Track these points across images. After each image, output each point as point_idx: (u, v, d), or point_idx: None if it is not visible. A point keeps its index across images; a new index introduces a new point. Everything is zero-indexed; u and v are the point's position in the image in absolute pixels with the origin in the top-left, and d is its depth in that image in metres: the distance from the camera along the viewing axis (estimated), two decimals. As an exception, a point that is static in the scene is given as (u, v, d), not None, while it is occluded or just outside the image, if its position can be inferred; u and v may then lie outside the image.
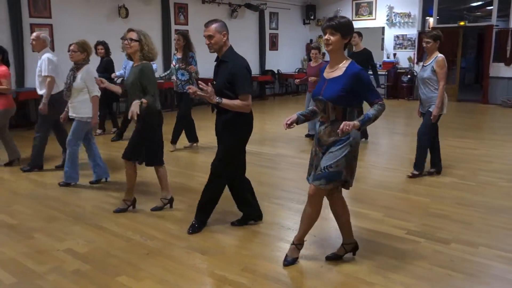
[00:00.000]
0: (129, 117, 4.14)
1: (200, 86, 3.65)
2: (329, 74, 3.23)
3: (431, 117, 5.37)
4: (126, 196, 4.61)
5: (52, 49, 9.57)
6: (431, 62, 5.36)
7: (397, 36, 14.46)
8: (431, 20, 14.17)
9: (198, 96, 3.73)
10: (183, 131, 7.32)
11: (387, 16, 14.47)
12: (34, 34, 5.93)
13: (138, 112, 4.09)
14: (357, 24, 15.14)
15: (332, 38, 3.11)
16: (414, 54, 14.17)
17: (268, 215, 4.44)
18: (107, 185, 5.46)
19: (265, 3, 14.38)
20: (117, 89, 5.17)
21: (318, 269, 3.38)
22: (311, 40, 16.44)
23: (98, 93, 5.23)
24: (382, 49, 14.98)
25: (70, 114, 5.28)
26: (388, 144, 8.23)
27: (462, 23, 13.51)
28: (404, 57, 14.38)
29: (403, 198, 4.95)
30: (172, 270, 3.36)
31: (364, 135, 7.93)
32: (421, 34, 13.91)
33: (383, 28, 14.67)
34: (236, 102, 3.68)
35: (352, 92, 3.10)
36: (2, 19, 9.11)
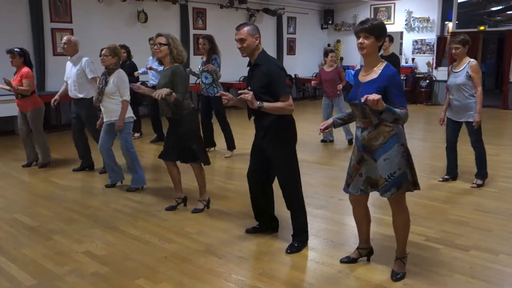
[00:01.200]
0: (155, 96, 4.19)
1: (239, 92, 3.53)
2: (364, 77, 3.19)
3: (474, 124, 5.25)
4: (176, 194, 4.76)
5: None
6: (464, 68, 5.24)
7: (416, 41, 14.35)
8: (450, 25, 14.02)
9: (232, 103, 3.73)
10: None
11: (406, 20, 14.37)
12: (65, 37, 6.01)
13: (163, 96, 4.14)
14: (375, 29, 15.08)
15: (366, 41, 3.06)
16: (433, 59, 14.04)
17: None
18: (126, 188, 5.49)
19: (283, 7, 14.40)
20: (151, 92, 5.05)
21: (335, 275, 3.36)
22: (328, 45, 16.40)
23: (128, 97, 5.27)
24: (401, 53, 14.86)
25: (106, 119, 5.28)
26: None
27: (482, 28, 13.35)
28: (423, 62, 14.25)
29: (422, 204, 4.90)
30: (189, 274, 3.38)
31: None
32: (440, 38, 13.80)
33: (402, 32, 14.57)
34: (279, 104, 3.56)
35: (386, 94, 3.03)
36: (24, 23, 9.28)
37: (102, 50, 5.26)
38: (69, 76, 6.02)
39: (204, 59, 6.99)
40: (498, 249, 3.77)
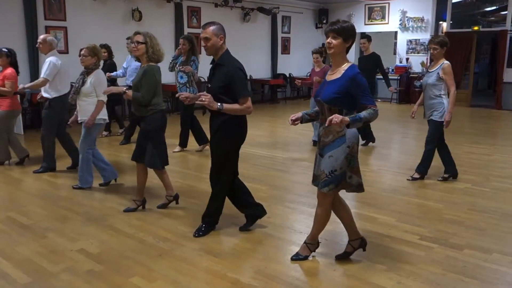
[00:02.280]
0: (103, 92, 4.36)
1: (199, 94, 3.65)
2: (329, 76, 3.32)
3: (444, 124, 5.36)
4: (136, 196, 4.68)
5: (67, 51, 9.77)
6: (437, 69, 5.35)
7: (410, 41, 14.40)
8: (444, 25, 14.09)
9: (191, 102, 3.80)
10: (192, 134, 7.38)
11: (400, 20, 14.42)
12: (41, 37, 5.98)
13: (115, 91, 4.40)
14: (369, 28, 15.13)
15: (334, 41, 3.18)
16: (427, 59, 14.08)
17: (280, 218, 4.45)
18: (121, 187, 5.50)
19: (277, 7, 14.41)
20: (118, 90, 4.87)
21: (331, 273, 3.37)
22: (323, 44, 16.39)
23: (105, 98, 5.24)
24: (395, 53, 14.94)
25: (79, 118, 5.27)
26: (400, 149, 8.20)
27: (476, 28, 13.42)
28: (417, 62, 14.31)
29: (416, 203, 4.92)
30: (184, 272, 3.38)
31: (371, 137, 7.94)
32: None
33: (396, 32, 14.63)
34: (237, 106, 3.67)
35: (348, 94, 3.15)
36: (18, 21, 9.24)
37: (81, 50, 5.24)
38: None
39: (183, 59, 7.01)
40: (491, 248, 3.79)
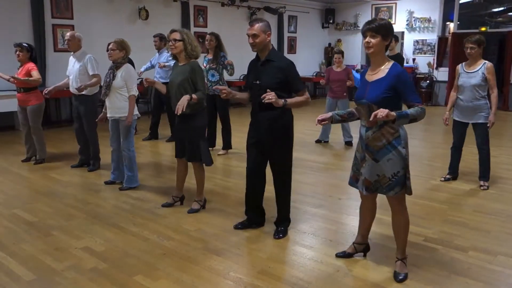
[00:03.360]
0: (176, 112, 4.17)
1: (262, 96, 3.60)
2: (371, 76, 3.20)
3: (489, 125, 5.29)
4: (176, 192, 4.79)
5: (73, 49, 9.79)
6: (480, 68, 5.20)
7: (417, 41, 14.34)
8: (451, 26, 14.02)
9: (231, 97, 3.83)
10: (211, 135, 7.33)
11: (407, 20, 14.36)
12: (69, 33, 5.98)
13: (184, 109, 4.13)
14: (376, 29, 15.07)
15: (373, 40, 3.08)
16: (434, 59, 14.04)
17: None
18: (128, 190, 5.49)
19: (284, 6, 14.39)
20: (163, 88, 4.82)
21: (334, 274, 3.37)
22: (329, 44, 16.39)
23: (136, 92, 5.24)
24: (401, 53, 14.87)
25: (110, 114, 5.24)
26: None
27: (483, 29, 13.34)
28: (424, 62, 14.24)
29: (421, 205, 4.90)
30: (188, 271, 3.38)
31: None
32: (441, 39, 13.78)
33: (403, 32, 14.57)
34: (300, 98, 3.78)
35: (396, 93, 3.07)
36: (25, 19, 9.27)
37: (109, 44, 5.24)
38: (71, 71, 6.01)
39: (210, 56, 6.95)
40: (497, 250, 3.78)
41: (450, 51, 13.51)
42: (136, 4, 11.00)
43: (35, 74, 6.13)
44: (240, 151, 7.23)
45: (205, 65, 6.93)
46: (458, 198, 5.16)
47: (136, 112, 5.33)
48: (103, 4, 10.40)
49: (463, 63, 5.42)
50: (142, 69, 8.32)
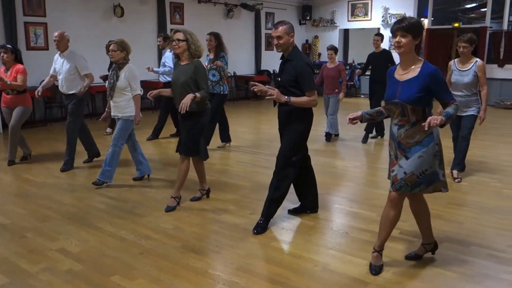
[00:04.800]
0: (179, 110, 4.22)
1: (266, 87, 3.86)
2: (402, 76, 3.20)
3: (480, 121, 5.48)
4: (201, 186, 4.84)
5: (47, 48, 9.63)
6: (472, 67, 5.35)
7: (392, 37, 14.47)
8: (426, 22, 14.21)
9: (263, 93, 3.93)
10: (218, 131, 7.37)
11: (383, 17, 14.51)
12: (58, 33, 5.89)
13: (188, 108, 4.19)
14: (352, 25, 15.23)
15: (403, 40, 3.08)
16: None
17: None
18: (102, 186, 5.42)
19: (261, 3, 14.38)
20: (169, 92, 4.71)
21: (312, 269, 3.39)
22: (306, 41, 16.46)
23: (141, 92, 5.23)
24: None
25: (114, 114, 5.24)
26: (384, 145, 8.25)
27: (456, 25, 13.56)
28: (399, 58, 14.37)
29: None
30: (166, 270, 3.36)
31: (382, 132, 8.05)
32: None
33: (379, 29, 14.69)
34: (304, 98, 3.93)
35: (428, 92, 3.08)
36: (-4, 17, 9.07)
37: (109, 45, 5.22)
38: (60, 71, 5.94)
39: (211, 56, 6.92)
40: (470, 241, 3.85)
41: (424, 46, 13.69)
42: (111, 1, 10.85)
43: (20, 79, 6.06)
44: (216, 149, 7.24)
45: (206, 64, 6.88)
46: (433, 191, 5.23)
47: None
48: (76, 1, 10.23)
49: (456, 60, 5.61)
50: (158, 70, 8.33)
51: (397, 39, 3.10)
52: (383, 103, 3.52)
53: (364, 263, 3.44)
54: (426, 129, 2.97)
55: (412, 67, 3.17)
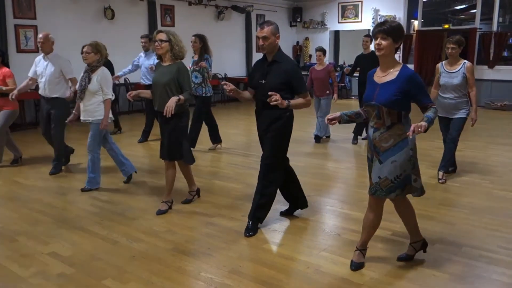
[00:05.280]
0: (164, 114, 4.18)
1: (268, 93, 3.73)
2: (381, 78, 3.21)
3: (472, 123, 5.53)
4: (166, 197, 4.66)
5: (37, 50, 9.51)
6: (460, 69, 5.38)
7: (383, 39, 14.54)
8: (416, 23, 14.31)
9: (233, 93, 3.96)
10: (203, 133, 7.34)
11: (373, 18, 14.57)
12: (42, 34, 5.79)
13: (173, 111, 4.16)
14: (343, 27, 15.26)
15: (383, 42, 3.10)
16: (400, 56, 14.26)
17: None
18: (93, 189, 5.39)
19: (251, 5, 14.40)
20: (149, 94, 4.66)
21: (304, 270, 3.39)
22: (297, 42, 16.49)
23: (112, 96, 5.17)
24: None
25: (84, 118, 5.15)
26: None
27: (446, 26, 13.67)
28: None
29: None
30: (158, 273, 3.35)
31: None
32: (406, 36, 14.03)
33: (369, 30, 14.75)
34: (300, 100, 3.90)
35: (406, 96, 3.10)
36: (-15, 20, 8.99)
37: (83, 47, 5.14)
38: (43, 74, 5.82)
39: (196, 58, 6.92)
40: (462, 242, 3.88)
41: (415, 48, 13.78)
42: (101, 3, 10.80)
43: (10, 82, 6.01)
44: (206, 151, 7.24)
45: (190, 66, 6.88)
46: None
47: (110, 115, 5.27)
48: (67, 4, 10.17)
49: (443, 62, 5.63)
50: (120, 74, 8.18)
51: (377, 42, 3.13)
52: None
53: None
54: (410, 137, 3.04)
55: (391, 70, 3.19)
